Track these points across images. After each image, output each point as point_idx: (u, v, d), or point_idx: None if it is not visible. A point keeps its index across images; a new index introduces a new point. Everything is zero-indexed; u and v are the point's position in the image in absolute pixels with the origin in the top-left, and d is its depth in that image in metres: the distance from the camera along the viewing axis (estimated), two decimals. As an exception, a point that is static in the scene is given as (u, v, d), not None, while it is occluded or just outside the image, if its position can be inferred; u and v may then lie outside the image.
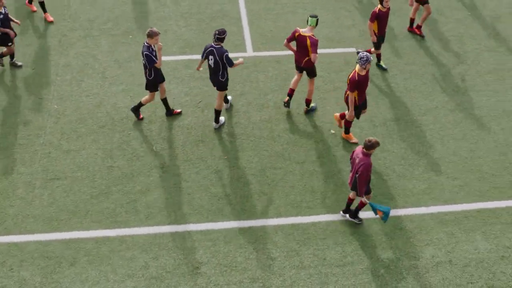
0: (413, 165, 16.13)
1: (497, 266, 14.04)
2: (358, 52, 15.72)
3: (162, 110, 17.11)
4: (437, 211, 15.12)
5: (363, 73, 15.35)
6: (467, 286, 13.62)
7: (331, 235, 14.43)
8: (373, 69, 18.95)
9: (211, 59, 15.82)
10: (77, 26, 20.07)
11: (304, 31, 16.35)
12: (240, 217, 14.69)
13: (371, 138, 13.40)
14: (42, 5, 19.97)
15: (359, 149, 13.75)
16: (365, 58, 15.11)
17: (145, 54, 15.60)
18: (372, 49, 18.74)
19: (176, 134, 16.54)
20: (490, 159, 16.49)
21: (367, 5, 21.64)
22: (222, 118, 16.97)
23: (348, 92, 15.67)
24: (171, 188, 15.23)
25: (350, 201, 14.61)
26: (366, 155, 13.54)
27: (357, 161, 13.69)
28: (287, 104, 17.27)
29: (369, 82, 16.26)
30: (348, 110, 15.95)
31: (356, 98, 15.76)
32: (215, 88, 16.31)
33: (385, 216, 13.78)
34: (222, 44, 15.71)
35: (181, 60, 18.79)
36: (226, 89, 16.29)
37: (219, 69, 15.84)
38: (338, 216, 14.82)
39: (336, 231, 14.50)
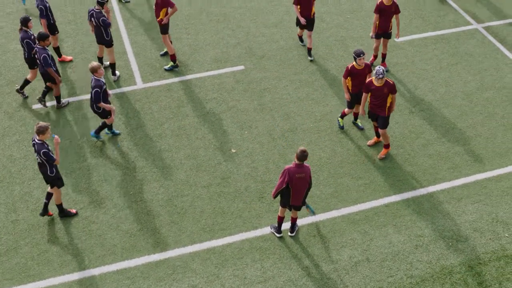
0: (317, 172, 16.35)
1: (412, 256, 14.38)
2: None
3: (60, 157, 16.77)
4: (347, 213, 15.38)
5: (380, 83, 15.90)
6: (388, 280, 13.88)
7: (247, 253, 14.46)
8: (262, 83, 19.17)
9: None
10: (-41, 82, 19.53)
11: None
12: (155, 250, 14.54)
13: (301, 149, 13.48)
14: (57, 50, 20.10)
15: (292, 169, 13.61)
16: (380, 71, 15.53)
17: (43, 152, 14.17)
18: (346, 109, 17.39)
19: (78, 177, 16.25)
20: (389, 153, 16.90)
21: (248, 21, 21.87)
22: None
23: (393, 96, 16.04)
24: (80, 232, 14.94)
25: (295, 220, 14.74)
26: (301, 165, 13.65)
27: (298, 176, 13.62)
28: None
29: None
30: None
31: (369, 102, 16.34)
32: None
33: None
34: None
35: (71, 102, 18.46)
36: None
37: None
38: (252, 234, 14.88)
39: (252, 248, 14.54)
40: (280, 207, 14.45)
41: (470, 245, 14.66)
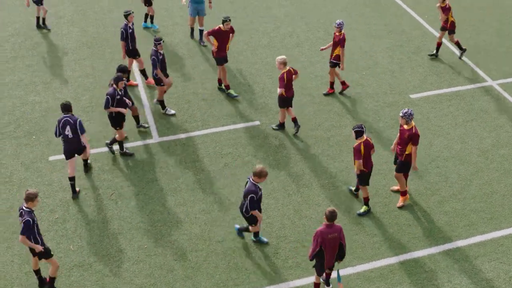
0: (332, 228, 16.28)
1: (427, 315, 14.23)
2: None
3: (75, 208, 16.84)
4: (362, 270, 15.27)
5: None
6: None
7: (261, 309, 14.36)
8: (278, 138, 19.22)
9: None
10: (-23, 134, 19.70)
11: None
12: (168, 305, 14.47)
13: (329, 209, 13.34)
14: (143, 72, 21.86)
15: (324, 230, 13.40)
16: (409, 112, 15.89)
17: (25, 221, 13.65)
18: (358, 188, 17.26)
19: (92, 230, 16.26)
20: (405, 210, 16.83)
21: (264, 77, 22.03)
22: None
23: (413, 147, 16.16)
24: (93, 285, 14.88)
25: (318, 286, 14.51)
26: (332, 225, 13.46)
27: (330, 236, 13.41)
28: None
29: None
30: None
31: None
32: None
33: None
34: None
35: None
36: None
37: None
38: (266, 290, 14.82)
39: (266, 305, 14.45)
40: (315, 275, 14.24)
41: (486, 305, 14.50)
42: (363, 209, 16.82)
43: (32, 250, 14.25)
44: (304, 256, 15.45)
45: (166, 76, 19.89)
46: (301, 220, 16.50)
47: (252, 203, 14.78)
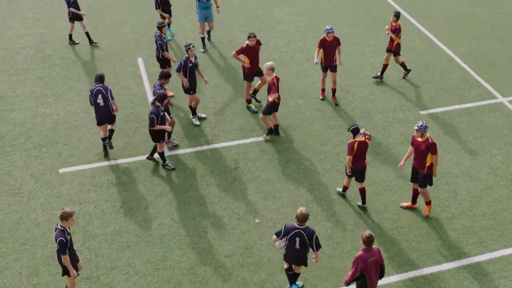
0: (341, 244, 16.25)
1: (436, 333, 14.15)
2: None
3: (83, 221, 16.86)
4: (370, 286, 15.21)
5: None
6: None
7: (269, 325, 14.32)
8: (287, 153, 19.22)
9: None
10: (-12, 145, 19.79)
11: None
12: (175, 319, 14.44)
13: (366, 234, 13.07)
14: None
15: (363, 255, 13.13)
16: (424, 125, 16.02)
17: (59, 240, 13.46)
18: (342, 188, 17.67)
19: (100, 243, 16.27)
20: (414, 227, 16.78)
21: (284, 91, 22.03)
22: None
23: (433, 157, 16.26)
24: (101, 299, 14.91)
25: None
26: (370, 249, 13.23)
27: (370, 260, 13.14)
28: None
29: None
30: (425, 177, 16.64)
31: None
32: None
33: None
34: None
35: (97, 167, 18.64)
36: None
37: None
38: (274, 305, 14.76)
39: (274, 320, 14.40)
40: None
41: (495, 323, 14.42)
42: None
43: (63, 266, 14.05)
44: (312, 272, 15.42)
45: (194, 87, 19.93)
46: (309, 236, 16.46)
47: (318, 242, 14.10)
